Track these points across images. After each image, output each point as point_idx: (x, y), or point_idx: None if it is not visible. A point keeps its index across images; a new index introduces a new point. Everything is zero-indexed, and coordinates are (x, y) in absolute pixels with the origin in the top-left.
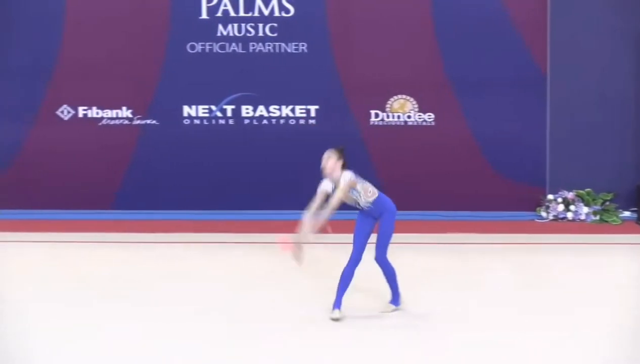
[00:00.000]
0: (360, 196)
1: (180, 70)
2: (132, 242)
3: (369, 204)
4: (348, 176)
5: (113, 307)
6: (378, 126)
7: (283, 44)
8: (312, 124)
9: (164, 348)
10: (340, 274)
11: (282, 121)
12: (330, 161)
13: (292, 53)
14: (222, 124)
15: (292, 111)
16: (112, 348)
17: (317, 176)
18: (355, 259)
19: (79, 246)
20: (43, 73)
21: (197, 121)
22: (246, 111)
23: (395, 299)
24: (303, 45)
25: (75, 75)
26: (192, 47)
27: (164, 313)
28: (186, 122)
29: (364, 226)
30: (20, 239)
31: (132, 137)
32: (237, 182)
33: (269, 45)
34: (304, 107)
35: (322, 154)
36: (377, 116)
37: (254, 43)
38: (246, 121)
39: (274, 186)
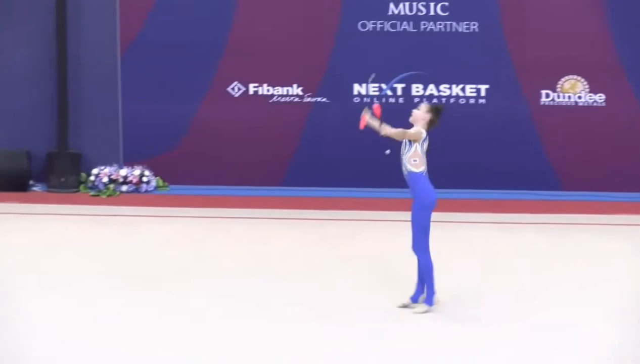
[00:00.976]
0: (407, 152)
1: (351, 49)
2: (301, 219)
3: (405, 170)
4: (421, 130)
5: (285, 286)
6: (548, 106)
7: (454, 23)
8: (481, 103)
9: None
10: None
11: (452, 100)
12: (421, 110)
13: (463, 32)
14: (392, 103)
15: (462, 90)
16: (285, 324)
17: (487, 155)
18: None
19: (249, 222)
20: (215, 50)
21: (367, 99)
22: (416, 89)
23: (429, 297)
24: (474, 25)
25: (247, 53)
26: (364, 26)
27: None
28: (356, 100)
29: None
30: (189, 215)
31: (302, 114)
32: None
33: (440, 24)
34: (474, 86)
35: (492, 133)
36: (547, 96)
37: (425, 22)
38: (416, 100)
39: (443, 165)
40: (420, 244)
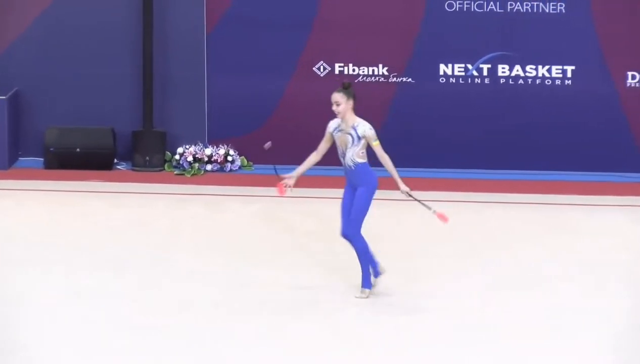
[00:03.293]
0: (354, 146)
1: (438, 29)
2: (386, 199)
3: (352, 164)
4: (372, 130)
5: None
6: (636, 88)
7: (541, 4)
8: (567, 84)
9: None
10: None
11: (538, 81)
12: (342, 102)
13: (550, 13)
14: (477, 83)
15: (549, 71)
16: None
17: (572, 136)
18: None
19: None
20: (302, 28)
21: (452, 80)
22: (502, 70)
23: (367, 280)
24: (561, 5)
25: (333, 31)
26: (450, 6)
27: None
28: (442, 80)
29: (348, 197)
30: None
31: (388, 94)
32: (491, 142)
33: (527, 5)
34: (560, 67)
35: (577, 115)
36: (634, 77)
37: (512, 2)
38: (502, 81)
39: (528, 146)
40: (358, 228)
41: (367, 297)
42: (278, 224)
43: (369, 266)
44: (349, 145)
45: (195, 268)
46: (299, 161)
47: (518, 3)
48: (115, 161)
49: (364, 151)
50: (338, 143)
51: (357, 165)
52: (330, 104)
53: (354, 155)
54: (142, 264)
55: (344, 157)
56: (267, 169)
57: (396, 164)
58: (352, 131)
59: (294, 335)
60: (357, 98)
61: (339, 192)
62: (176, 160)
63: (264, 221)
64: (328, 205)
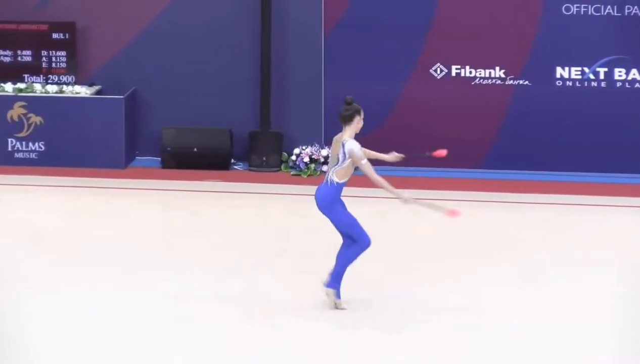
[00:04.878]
0: (341, 165)
1: (555, 32)
2: (502, 202)
3: (329, 181)
4: (358, 147)
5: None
6: None
7: None
8: None
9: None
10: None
11: None
12: (354, 122)
13: None
14: (594, 87)
15: None
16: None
17: None
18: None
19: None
20: (420, 30)
21: (569, 83)
22: (619, 74)
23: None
24: None
25: (450, 34)
26: (568, 9)
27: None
28: (558, 83)
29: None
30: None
31: (504, 97)
32: (606, 145)
33: None
34: None
35: None
36: None
37: (629, 6)
38: (618, 84)
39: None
40: (358, 238)
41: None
42: (392, 224)
43: (342, 274)
44: (335, 162)
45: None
46: (415, 163)
47: (636, 7)
48: (232, 161)
49: (344, 170)
50: (332, 154)
51: (332, 183)
52: (445, 106)
53: (334, 174)
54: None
55: (328, 170)
56: (384, 170)
57: (509, 166)
58: (341, 146)
59: None
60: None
61: (454, 194)
62: (293, 161)
63: (377, 220)
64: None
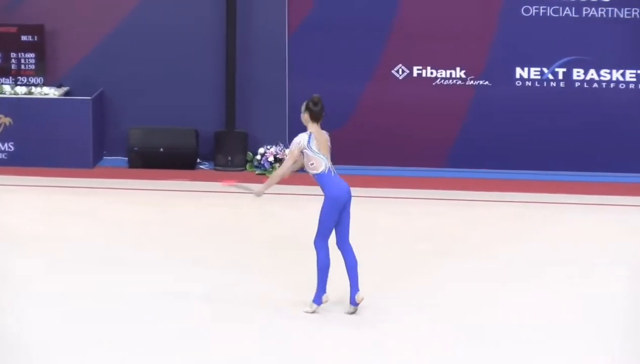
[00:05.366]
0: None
1: (514, 33)
2: (466, 199)
3: (335, 172)
4: (296, 141)
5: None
6: None
7: (616, 9)
8: None
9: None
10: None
11: (612, 85)
12: (303, 115)
13: (625, 18)
14: (553, 87)
15: (622, 75)
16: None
17: None
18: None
19: (415, 202)
20: (381, 31)
21: (528, 83)
22: (577, 74)
23: (318, 296)
24: (636, 11)
25: (411, 35)
26: (527, 10)
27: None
28: (518, 83)
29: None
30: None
31: (465, 97)
32: (565, 144)
33: (601, 10)
34: (634, 71)
35: None
36: None
37: (587, 8)
38: (577, 84)
39: (602, 149)
40: (319, 240)
41: (313, 312)
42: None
43: (323, 283)
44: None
45: (274, 265)
46: (377, 162)
47: (593, 9)
48: (198, 160)
49: (313, 162)
50: (324, 148)
51: (313, 175)
52: (407, 107)
53: (307, 168)
54: (224, 263)
55: (328, 163)
56: (346, 169)
57: (470, 165)
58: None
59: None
60: (314, 111)
61: (419, 193)
62: (257, 160)
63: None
64: (413, 204)
